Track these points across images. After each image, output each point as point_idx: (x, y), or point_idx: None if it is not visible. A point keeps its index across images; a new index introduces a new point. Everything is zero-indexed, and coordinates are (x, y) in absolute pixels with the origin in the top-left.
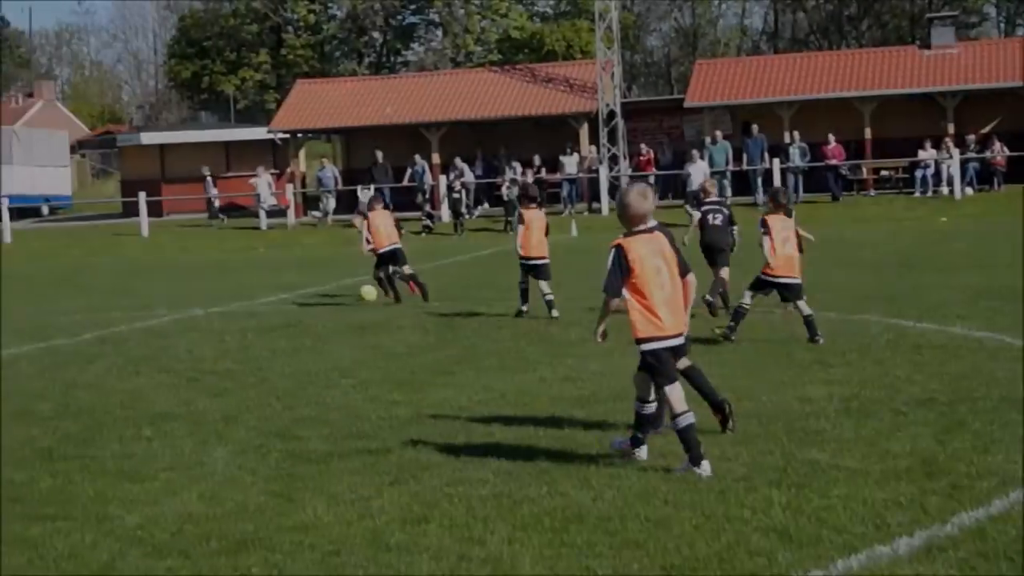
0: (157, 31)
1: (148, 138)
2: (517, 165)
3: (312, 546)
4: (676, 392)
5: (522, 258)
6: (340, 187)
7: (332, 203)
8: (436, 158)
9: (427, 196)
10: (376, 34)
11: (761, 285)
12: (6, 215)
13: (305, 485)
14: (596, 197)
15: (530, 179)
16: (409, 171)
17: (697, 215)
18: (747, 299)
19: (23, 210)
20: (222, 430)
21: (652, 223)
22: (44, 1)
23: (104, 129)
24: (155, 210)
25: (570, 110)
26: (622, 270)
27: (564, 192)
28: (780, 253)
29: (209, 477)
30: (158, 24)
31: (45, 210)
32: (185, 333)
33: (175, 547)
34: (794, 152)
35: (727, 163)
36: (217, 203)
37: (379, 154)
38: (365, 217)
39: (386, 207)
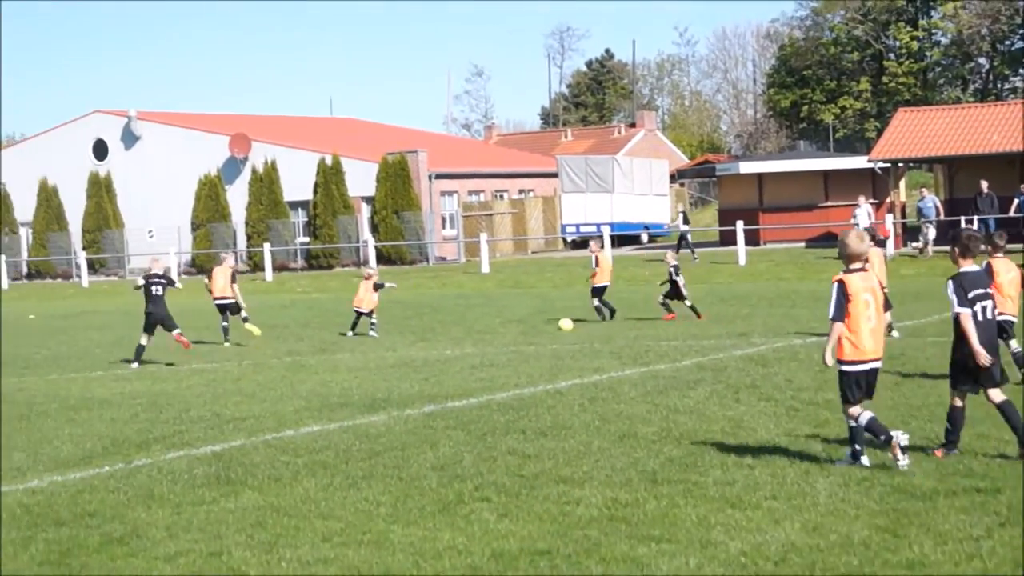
0: (757, 61)
1: (747, 167)
2: None
3: None
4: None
5: None
6: (941, 217)
7: (932, 233)
8: None
9: None
10: (982, 60)
11: None
12: (607, 239)
13: (911, 521)
14: None
15: None
16: (1016, 201)
17: None
18: None
19: (623, 237)
20: (825, 461)
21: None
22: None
23: (703, 158)
24: (752, 239)
25: None
26: (846, 299)
27: None
28: None
29: (812, 508)
30: (758, 54)
31: (644, 237)
32: (784, 362)
33: None
34: None
35: None
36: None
37: (983, 184)
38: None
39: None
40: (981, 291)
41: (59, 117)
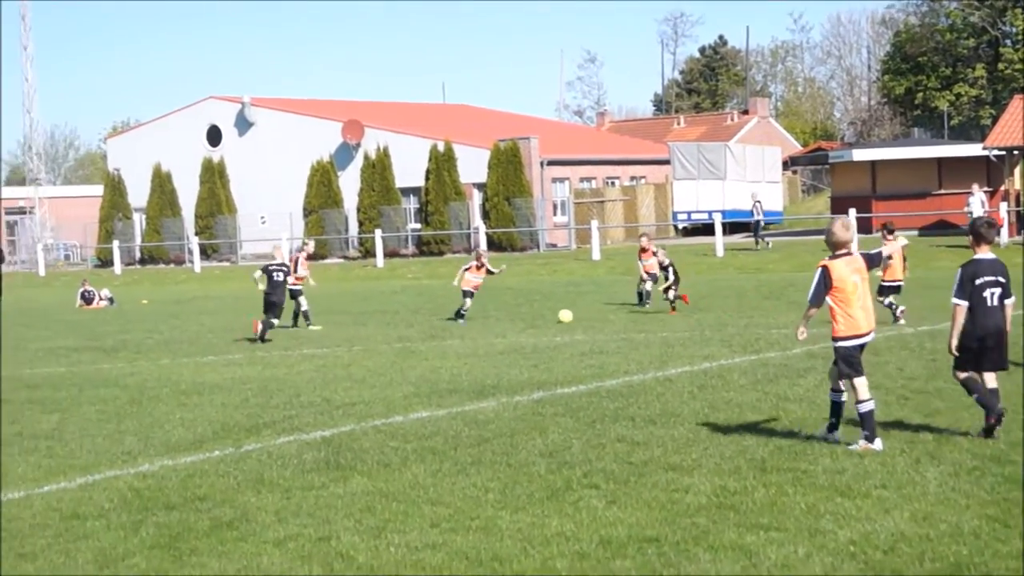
0: (871, 47)
1: (860, 154)
2: None
3: None
4: (862, 382)
5: None
6: None
7: None
8: None
9: None
10: None
11: None
12: (718, 230)
13: (1022, 512)
14: None
15: None
16: None
17: None
18: None
19: (735, 224)
20: (935, 450)
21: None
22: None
23: (816, 145)
24: (864, 226)
25: None
26: (826, 286)
27: None
28: None
29: (922, 497)
30: (872, 40)
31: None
32: (895, 351)
33: (888, 566)
34: None
35: None
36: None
37: None
38: None
39: None
40: (991, 278)
41: (174, 103)
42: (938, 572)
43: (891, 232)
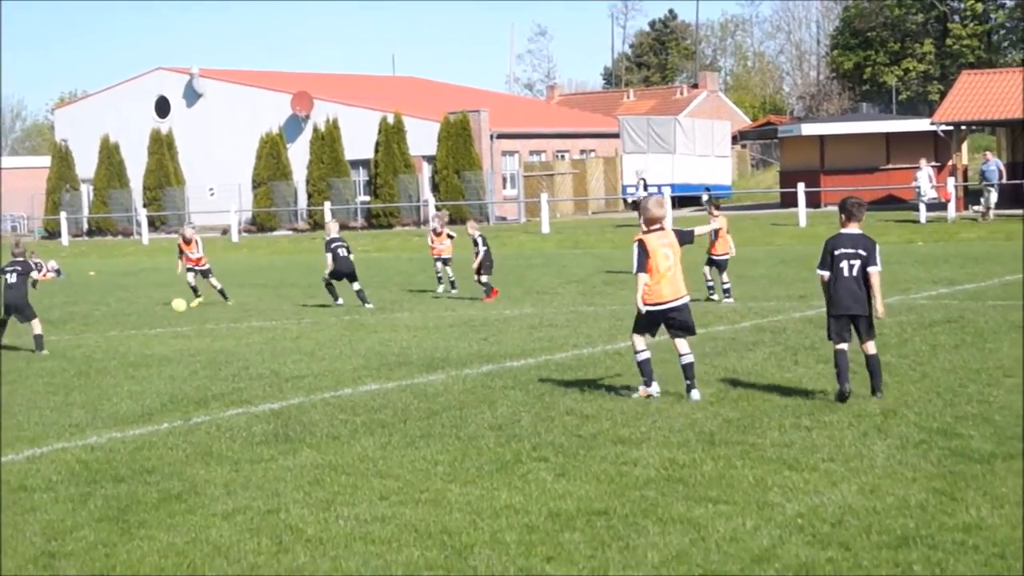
0: (820, 22)
1: (809, 129)
2: None
3: (975, 547)
4: (639, 339)
5: None
6: (1004, 181)
7: (995, 197)
8: None
9: None
10: None
11: None
12: (668, 201)
13: (968, 484)
14: None
15: None
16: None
17: None
18: None
19: (684, 198)
20: (882, 424)
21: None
22: None
23: (765, 120)
24: (813, 200)
25: None
26: (645, 255)
27: None
28: None
29: (869, 471)
30: (822, 15)
31: (706, 198)
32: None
33: (835, 538)
34: None
35: None
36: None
37: None
38: None
39: None
40: (850, 250)
41: (122, 74)
42: (885, 544)
43: (718, 208)
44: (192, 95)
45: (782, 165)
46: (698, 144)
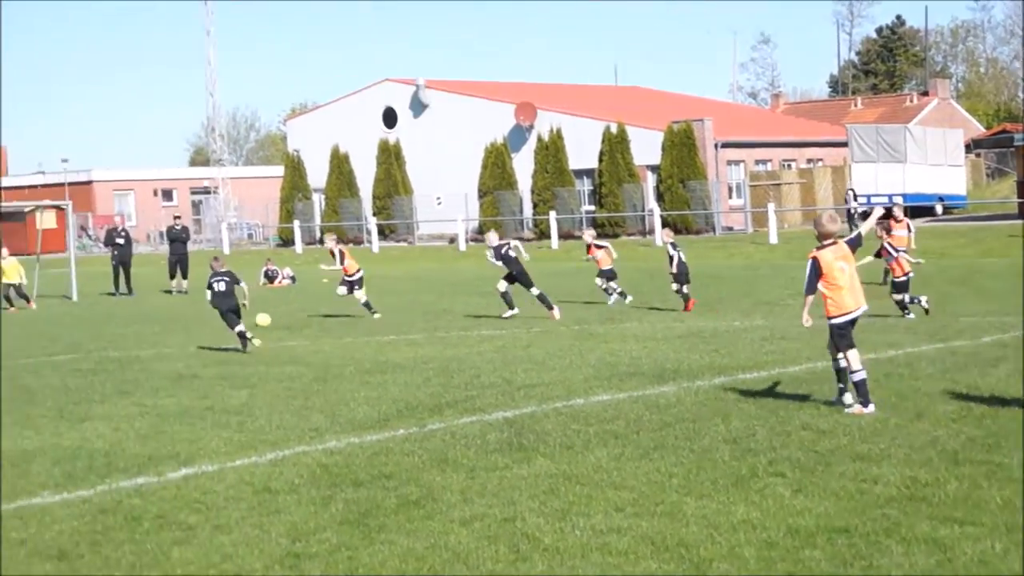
0: None
1: None
2: None
3: None
4: (853, 354)
5: None
6: None
7: None
8: None
9: None
10: None
11: None
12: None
13: None
14: None
15: None
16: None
17: None
18: None
19: (916, 208)
20: None
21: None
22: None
23: (1000, 128)
24: None
25: None
26: (817, 275)
27: None
28: None
29: None
30: None
31: (939, 209)
32: None
33: None
34: None
35: None
36: None
37: None
38: None
39: None
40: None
41: (350, 86)
42: None
43: (898, 221)
44: (418, 106)
45: (1019, 175)
46: (930, 153)
